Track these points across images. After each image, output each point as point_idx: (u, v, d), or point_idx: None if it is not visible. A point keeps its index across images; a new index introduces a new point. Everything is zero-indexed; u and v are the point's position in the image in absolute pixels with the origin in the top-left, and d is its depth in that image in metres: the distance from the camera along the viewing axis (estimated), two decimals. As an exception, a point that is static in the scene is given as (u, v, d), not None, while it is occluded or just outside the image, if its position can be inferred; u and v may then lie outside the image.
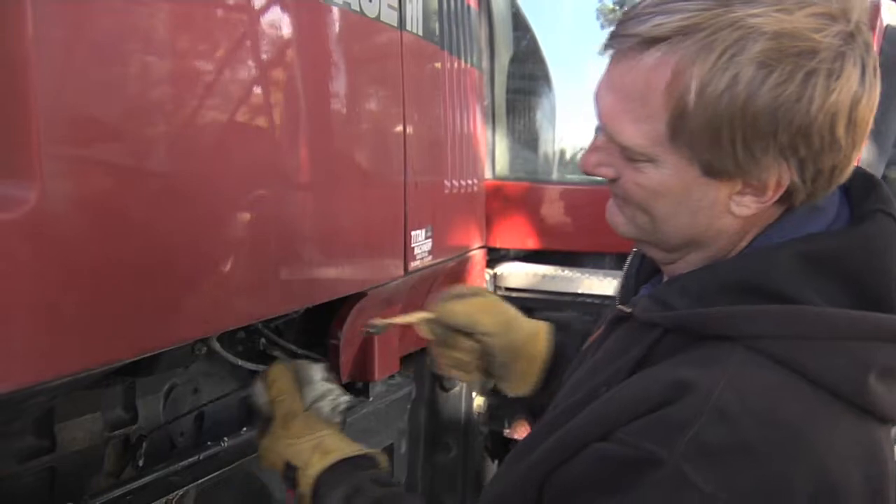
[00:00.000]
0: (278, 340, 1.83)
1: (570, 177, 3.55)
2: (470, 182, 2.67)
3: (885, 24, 2.88)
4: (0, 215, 0.99)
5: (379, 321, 1.60)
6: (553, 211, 3.28)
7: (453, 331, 1.46)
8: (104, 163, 1.16)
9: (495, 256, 3.22)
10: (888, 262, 0.96)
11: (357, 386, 1.98)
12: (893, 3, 2.93)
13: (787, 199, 0.95)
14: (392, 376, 2.29)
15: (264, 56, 1.48)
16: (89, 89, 1.12)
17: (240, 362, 1.70)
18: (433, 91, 2.32)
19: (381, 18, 1.87)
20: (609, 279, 3.03)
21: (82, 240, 1.11)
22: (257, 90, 1.47)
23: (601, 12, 3.76)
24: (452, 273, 2.65)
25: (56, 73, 1.06)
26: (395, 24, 1.96)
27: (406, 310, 2.30)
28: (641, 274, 1.17)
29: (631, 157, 0.97)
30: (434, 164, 2.35)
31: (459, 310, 1.45)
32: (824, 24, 0.87)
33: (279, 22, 1.52)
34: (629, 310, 1.05)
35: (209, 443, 1.68)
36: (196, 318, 1.38)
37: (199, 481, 1.55)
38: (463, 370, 1.51)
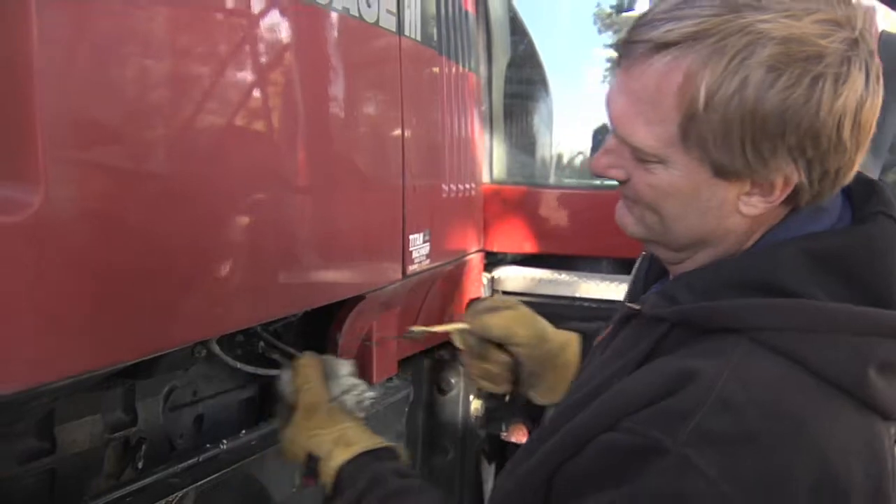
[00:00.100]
0: (277, 343, 1.84)
1: (567, 181, 3.56)
2: (468, 186, 2.68)
3: (879, 29, 2.89)
4: (4, 218, 1.00)
5: (417, 328, 1.64)
6: (550, 215, 3.28)
7: (486, 342, 1.48)
8: (107, 167, 1.17)
9: (493, 260, 3.23)
10: (889, 261, 0.98)
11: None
12: (889, 8, 2.94)
13: (793, 199, 0.98)
14: (390, 379, 2.30)
15: (266, 61, 1.49)
16: (93, 93, 1.13)
17: (238, 365, 1.71)
18: (431, 95, 2.34)
19: (380, 23, 1.89)
20: (606, 283, 3.04)
21: (85, 243, 1.12)
22: (258, 95, 1.48)
23: (598, 17, 3.77)
24: (450, 277, 2.66)
25: (59, 77, 1.07)
26: (394, 29, 1.97)
27: (404, 313, 2.31)
28: (650, 276, 1.20)
29: (642, 158, 0.99)
30: (432, 169, 2.36)
31: (495, 322, 1.47)
32: (831, 31, 0.89)
33: (280, 27, 1.53)
34: (638, 307, 1.07)
35: (208, 445, 1.69)
36: (196, 320, 1.39)
37: (199, 483, 1.56)
38: (493, 381, 1.53)
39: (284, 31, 1.55)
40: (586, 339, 1.52)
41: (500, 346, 1.49)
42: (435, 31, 2.30)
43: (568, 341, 1.51)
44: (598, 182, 3.35)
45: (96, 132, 1.15)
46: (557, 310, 3.02)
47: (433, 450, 2.98)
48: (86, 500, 1.45)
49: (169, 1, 1.28)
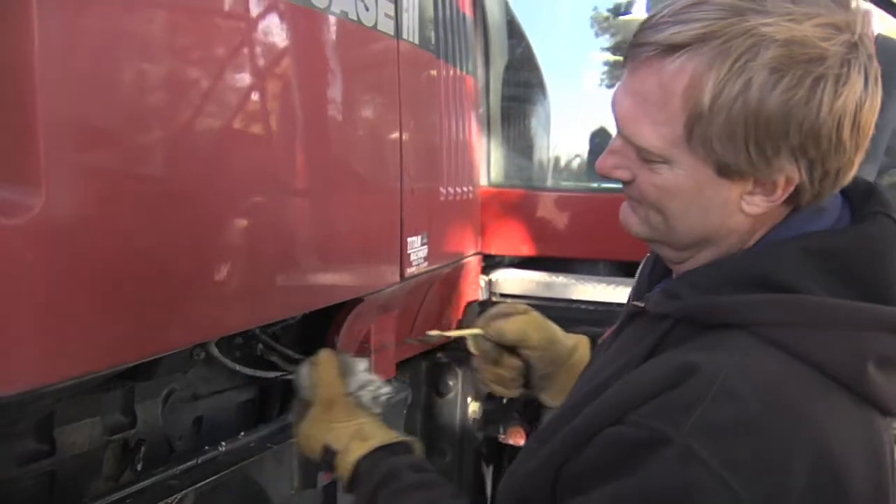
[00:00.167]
0: (276, 346, 1.84)
1: (564, 184, 3.56)
2: (465, 189, 2.69)
3: (875, 33, 2.91)
4: (5, 221, 1.01)
5: (433, 332, 1.71)
6: (548, 218, 3.29)
7: (499, 347, 1.51)
8: (107, 170, 1.18)
9: (490, 263, 3.23)
10: (888, 259, 1.00)
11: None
12: (885, 12, 2.96)
13: (794, 199, 1.00)
14: (388, 381, 2.30)
15: (265, 65, 1.50)
16: (93, 97, 1.14)
17: (237, 367, 1.72)
18: (429, 99, 2.34)
19: (378, 27, 1.89)
20: (604, 285, 3.05)
21: (85, 245, 1.13)
22: (258, 99, 1.49)
23: (595, 20, 3.78)
24: (448, 279, 2.66)
25: (61, 81, 1.08)
26: (392, 33, 1.98)
27: (402, 315, 2.32)
28: (654, 276, 1.21)
29: (647, 158, 1.01)
30: (430, 171, 2.37)
31: (509, 327, 1.50)
32: (831, 34, 0.92)
33: (279, 31, 1.54)
34: (642, 305, 1.09)
35: (207, 447, 1.69)
36: (195, 322, 1.39)
37: (198, 485, 1.56)
38: (505, 386, 1.56)
39: (283, 35, 1.56)
40: (595, 342, 1.54)
41: (512, 351, 1.52)
42: (433, 34, 2.31)
43: (578, 344, 1.54)
44: (594, 185, 3.36)
45: (97, 135, 1.15)
46: (555, 312, 3.03)
47: (431, 452, 2.98)
48: (85, 501, 1.45)
49: (170, 5, 1.29)
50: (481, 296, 3.09)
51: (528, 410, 2.70)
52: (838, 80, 0.91)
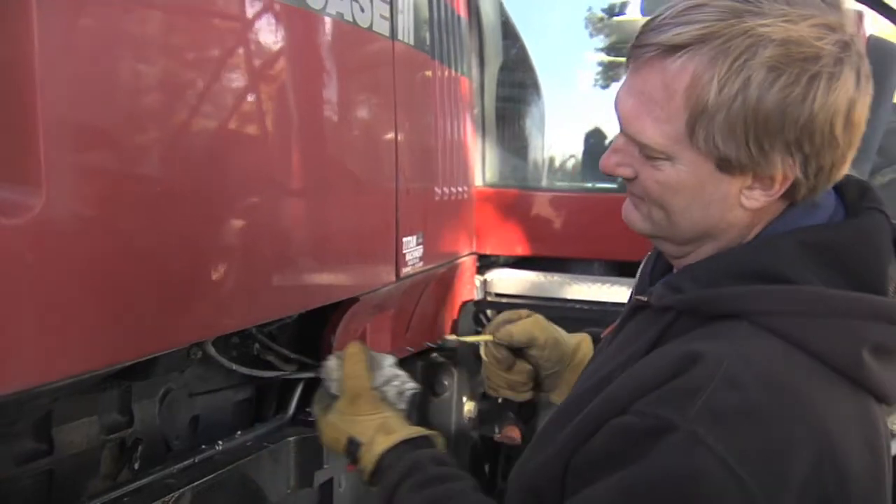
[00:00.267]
0: (272, 345, 1.85)
1: (559, 184, 3.58)
2: (460, 189, 2.70)
3: (867, 33, 2.92)
4: (6, 221, 1.02)
5: (451, 337, 1.87)
6: (542, 218, 3.30)
7: (510, 351, 1.57)
8: (107, 170, 1.19)
9: (485, 263, 3.24)
10: (881, 252, 1.04)
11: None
12: (877, 13, 2.97)
13: (790, 194, 1.03)
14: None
15: (261, 67, 1.51)
16: (93, 98, 1.15)
17: (234, 366, 1.72)
18: (424, 99, 2.35)
19: (374, 28, 1.90)
20: (598, 285, 3.06)
21: (84, 245, 1.14)
22: (254, 100, 1.50)
23: (589, 21, 3.79)
24: (443, 279, 2.67)
25: (61, 82, 1.08)
26: (387, 34, 1.99)
27: (397, 315, 2.33)
28: (656, 272, 1.24)
29: (650, 155, 1.04)
30: (425, 172, 2.38)
31: (517, 330, 1.56)
32: (825, 34, 0.95)
33: (275, 33, 1.55)
34: (646, 299, 1.12)
35: (204, 446, 1.70)
36: (192, 322, 1.40)
37: (195, 484, 1.56)
38: (516, 391, 1.61)
39: (280, 37, 1.57)
40: (596, 340, 1.58)
41: (521, 355, 1.57)
42: (428, 35, 2.32)
43: (581, 342, 1.59)
44: (589, 185, 3.37)
45: (97, 136, 1.16)
46: (551, 312, 3.04)
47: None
48: (83, 500, 1.45)
49: (168, 7, 1.30)
50: (476, 295, 3.10)
51: (522, 410, 2.71)
52: (832, 77, 0.95)
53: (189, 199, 1.34)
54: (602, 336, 1.29)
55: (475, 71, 3.13)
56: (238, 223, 1.47)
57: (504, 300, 3.16)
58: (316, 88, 1.72)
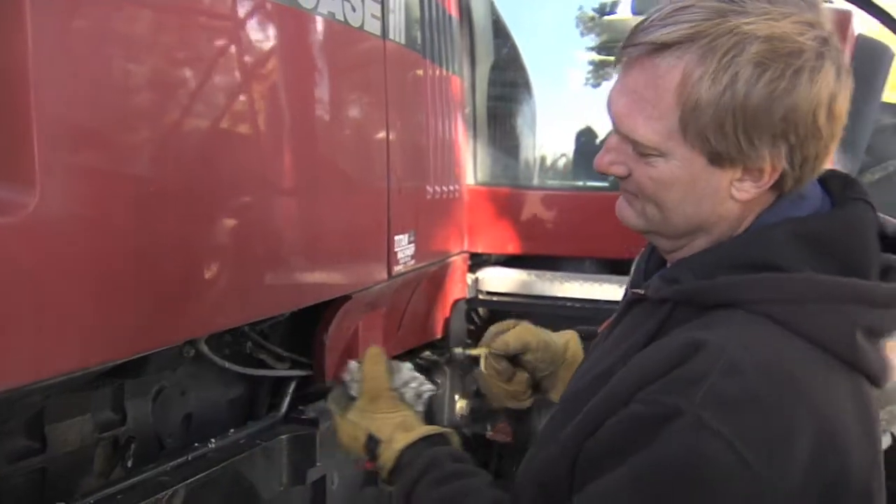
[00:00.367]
0: (265, 343, 1.86)
1: (550, 182, 3.58)
2: (452, 188, 2.71)
3: (856, 33, 2.95)
4: (0, 219, 1.02)
5: (458, 351, 1.99)
6: (534, 216, 3.31)
7: (507, 361, 1.61)
8: (100, 169, 1.19)
9: (477, 261, 3.25)
10: (867, 239, 1.07)
11: (342, 388, 2.01)
12: (865, 12, 2.99)
13: (778, 185, 1.06)
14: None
15: (253, 66, 1.52)
16: (87, 97, 1.16)
17: (227, 365, 1.73)
18: (415, 98, 2.36)
19: (365, 28, 1.91)
20: (590, 283, 3.07)
21: (78, 244, 1.14)
22: (246, 99, 1.51)
23: (580, 20, 3.79)
24: (435, 277, 2.68)
25: (55, 81, 1.09)
26: (379, 34, 2.00)
27: (389, 313, 2.34)
28: (650, 266, 1.26)
29: (643, 152, 1.06)
30: (417, 170, 2.39)
31: (510, 338, 1.60)
32: (805, 30, 0.99)
33: (267, 32, 1.56)
34: (642, 292, 1.14)
35: (197, 444, 1.70)
36: (185, 320, 1.41)
37: (188, 481, 1.57)
38: (518, 399, 1.66)
39: (272, 36, 1.57)
40: (583, 337, 1.63)
41: (517, 363, 1.61)
42: (419, 34, 2.33)
43: (568, 339, 1.63)
44: (580, 183, 3.38)
45: (90, 135, 1.17)
46: (542, 310, 3.05)
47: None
48: (76, 498, 1.46)
49: (161, 8, 1.30)
50: (468, 294, 3.11)
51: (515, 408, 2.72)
52: (814, 71, 0.98)
53: (182, 197, 1.35)
54: (599, 331, 1.30)
55: (466, 70, 3.14)
56: (230, 222, 1.48)
57: (495, 298, 3.17)
58: (307, 88, 1.73)
